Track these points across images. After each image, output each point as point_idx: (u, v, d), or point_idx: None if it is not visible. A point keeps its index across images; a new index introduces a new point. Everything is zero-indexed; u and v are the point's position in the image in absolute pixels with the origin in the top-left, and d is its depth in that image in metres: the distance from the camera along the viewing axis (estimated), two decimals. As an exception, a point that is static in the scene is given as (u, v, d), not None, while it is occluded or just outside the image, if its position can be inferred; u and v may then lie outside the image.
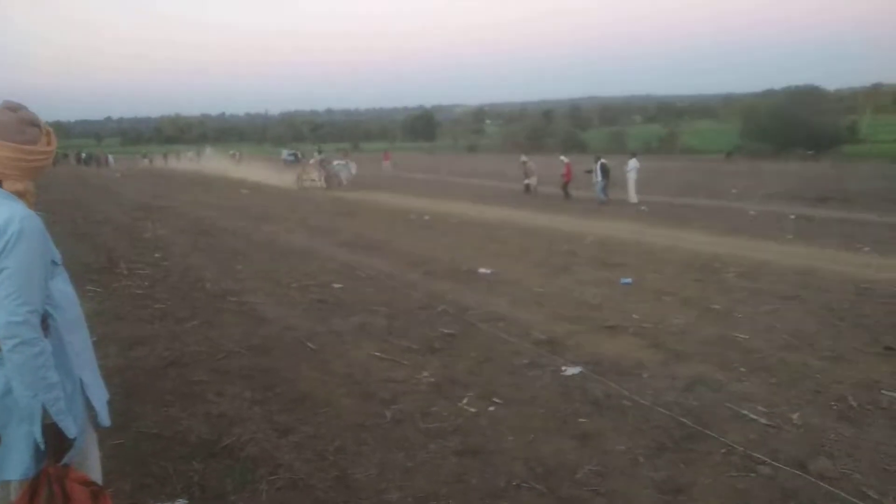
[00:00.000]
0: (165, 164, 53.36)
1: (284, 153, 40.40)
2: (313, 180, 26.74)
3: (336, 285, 8.27)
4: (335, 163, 28.60)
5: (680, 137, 56.95)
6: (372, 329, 6.34)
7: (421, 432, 4.10)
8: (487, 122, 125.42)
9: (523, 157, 24.96)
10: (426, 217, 15.85)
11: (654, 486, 3.44)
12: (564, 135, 62.23)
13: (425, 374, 5.12)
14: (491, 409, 4.45)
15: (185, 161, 51.61)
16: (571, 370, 5.14)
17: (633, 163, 20.69)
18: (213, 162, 46.16)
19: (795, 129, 43.13)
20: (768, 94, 60.93)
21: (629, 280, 8.31)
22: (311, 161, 29.38)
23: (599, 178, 20.10)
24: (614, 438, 3.97)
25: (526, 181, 23.24)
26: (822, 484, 3.35)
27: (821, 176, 27.59)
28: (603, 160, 20.57)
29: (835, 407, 4.38)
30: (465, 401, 4.58)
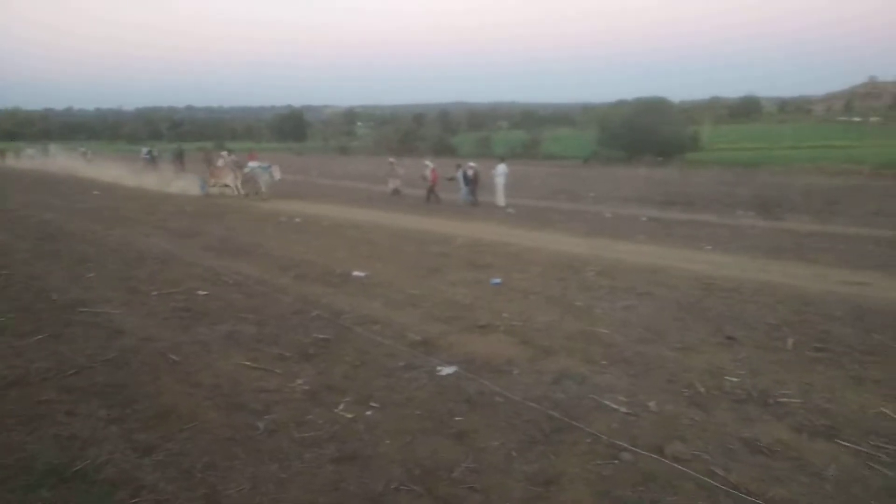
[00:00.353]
0: (3, 162, 48.21)
1: (144, 151, 36.89)
2: (226, 186, 22.54)
3: (201, 292, 7.86)
4: (250, 164, 23.39)
5: (542, 143, 59.55)
6: (241, 337, 6.09)
7: (296, 442, 4.00)
8: (359, 124, 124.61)
9: (391, 159, 25.02)
10: (297, 219, 15.45)
11: (527, 478, 3.57)
12: (435, 139, 63.19)
13: (299, 381, 4.99)
14: (368, 413, 4.42)
15: (26, 159, 46.89)
16: (446, 370, 5.22)
17: (501, 168, 21.35)
18: (61, 160, 42.26)
19: (645, 136, 46.52)
20: (620, 104, 65.16)
21: (498, 280, 8.58)
22: (220, 163, 24.59)
23: (463, 184, 20.56)
24: (488, 435, 4.08)
25: (390, 184, 23.22)
26: (676, 466, 3.63)
27: (668, 181, 29.89)
28: (472, 164, 21.08)
29: (686, 393, 4.76)
30: (341, 407, 4.52)
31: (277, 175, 22.52)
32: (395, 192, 23.14)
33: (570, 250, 11.55)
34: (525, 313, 7.00)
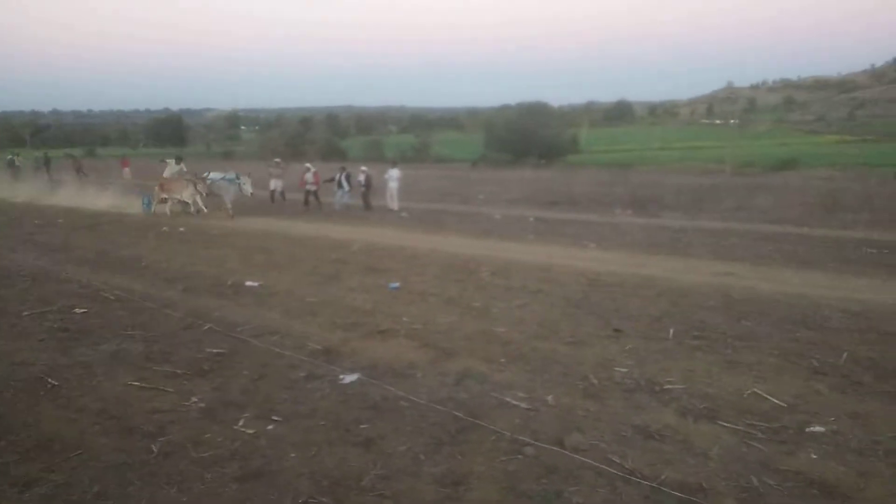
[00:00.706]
0: None
1: (7, 158, 33.20)
2: (184, 202, 18.16)
3: (79, 310, 7.34)
4: (211, 175, 18.85)
5: (432, 147, 60.27)
6: (127, 356, 5.75)
7: (194, 462, 3.84)
8: (243, 127, 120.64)
9: (276, 160, 24.41)
10: (181, 229, 14.74)
11: (436, 480, 3.62)
12: (323, 142, 62.31)
13: (194, 399, 4.79)
14: (270, 427, 4.31)
15: None
16: (349, 378, 5.18)
17: (394, 172, 21.39)
18: None
19: (529, 140, 48.28)
20: (505, 108, 67.14)
21: (397, 284, 8.60)
22: (167, 173, 19.49)
23: (345, 187, 20.28)
24: (395, 440, 4.10)
25: (272, 185, 22.56)
26: (576, 456, 3.81)
27: (551, 182, 31.08)
28: (364, 169, 20.97)
29: (580, 386, 4.99)
30: (241, 422, 4.38)
31: (249, 188, 18.39)
32: (280, 195, 22.46)
33: (464, 252, 11.77)
34: (425, 316, 7.07)
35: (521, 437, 4.07)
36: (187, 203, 18.11)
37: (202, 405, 4.69)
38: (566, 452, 3.87)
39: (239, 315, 7.12)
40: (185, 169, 19.96)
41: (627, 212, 19.19)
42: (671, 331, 6.40)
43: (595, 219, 17.92)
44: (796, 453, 3.84)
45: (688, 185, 26.26)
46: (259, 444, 4.07)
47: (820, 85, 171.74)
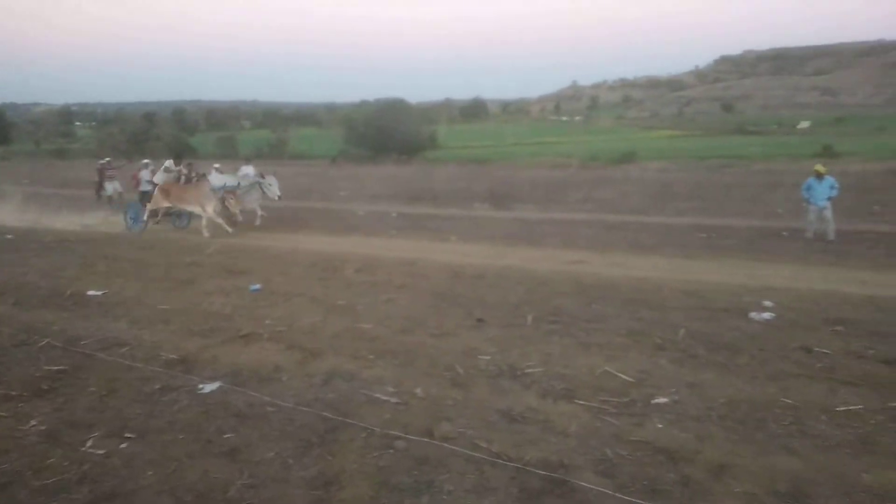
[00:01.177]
0: None
1: None
2: (199, 215, 14.16)
3: None
4: (220, 180, 14.75)
5: (289, 143, 58.70)
6: (-53, 381, 5.10)
7: (36, 492, 3.50)
8: (77, 123, 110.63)
9: (107, 159, 22.73)
10: (9, 236, 13.29)
11: (307, 484, 3.56)
12: (171, 139, 58.61)
13: (33, 422, 4.35)
14: (123, 445, 4.02)
15: None
16: (209, 387, 4.95)
17: (247, 169, 20.62)
18: None
19: (388, 136, 48.45)
20: (363, 104, 67.00)
21: (258, 286, 8.31)
22: (159, 178, 15.00)
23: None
24: (262, 447, 3.98)
25: (108, 188, 20.99)
26: (446, 445, 3.90)
27: (412, 178, 31.41)
28: (217, 166, 20.00)
29: (447, 376, 5.10)
30: (89, 443, 4.04)
31: (276, 190, 15.02)
32: (118, 196, 20.91)
33: (328, 249, 11.61)
34: (289, 317, 6.89)
35: (391, 432, 4.09)
36: (210, 215, 13.76)
37: (43, 428, 4.27)
38: (436, 442, 3.94)
39: (81, 328, 6.55)
40: (184, 171, 15.36)
41: (486, 206, 19.84)
42: (529, 317, 6.71)
43: (456, 213, 18.36)
44: (644, 424, 4.18)
45: (540, 179, 27.59)
46: (111, 465, 3.78)
47: (653, 84, 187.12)
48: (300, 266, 9.87)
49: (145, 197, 15.55)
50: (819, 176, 13.14)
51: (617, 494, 3.33)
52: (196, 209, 14.25)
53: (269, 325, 6.57)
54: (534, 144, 62.69)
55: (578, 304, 7.30)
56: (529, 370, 5.17)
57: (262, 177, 15.34)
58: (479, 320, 6.70)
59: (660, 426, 4.14)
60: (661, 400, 4.55)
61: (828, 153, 35.69)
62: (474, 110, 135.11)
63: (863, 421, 4.18)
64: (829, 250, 11.73)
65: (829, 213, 13.00)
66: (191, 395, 4.83)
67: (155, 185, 15.00)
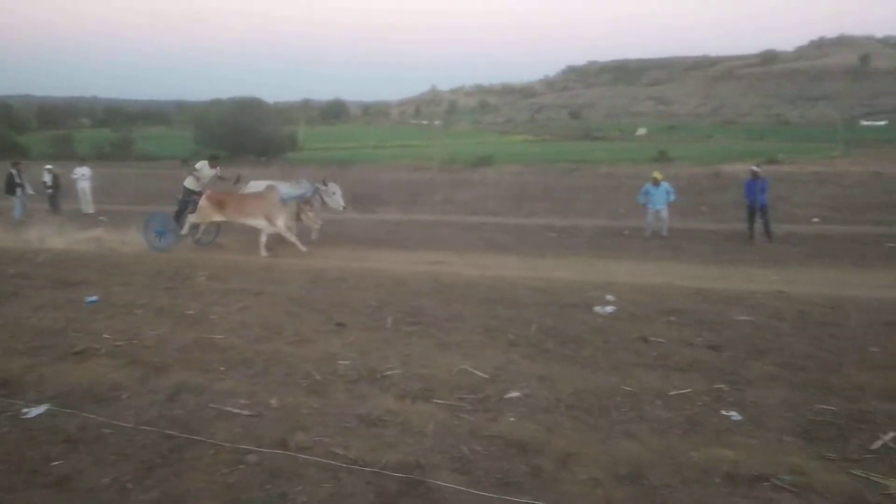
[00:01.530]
0: None
1: None
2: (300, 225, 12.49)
3: None
4: (286, 185, 12.78)
5: (135, 143, 54.78)
6: None
7: None
8: None
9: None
10: None
11: (148, 508, 3.31)
12: (-4, 137, 52.63)
13: None
14: (-75, 485, 3.52)
15: None
16: (35, 411, 4.47)
17: (82, 170, 19.01)
18: None
19: (245, 136, 46.67)
20: (216, 103, 63.94)
21: (95, 298, 7.64)
22: (191, 183, 13.16)
23: (27, 189, 17.44)
24: (97, 473, 3.65)
25: None
26: (300, 456, 3.78)
27: (272, 180, 30.43)
28: (49, 167, 18.26)
29: (304, 384, 4.97)
30: None
31: (340, 200, 12.94)
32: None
33: (176, 255, 10.94)
34: (131, 330, 6.39)
35: (242, 446, 3.90)
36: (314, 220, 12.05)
37: None
38: (290, 453, 3.81)
39: None
40: (220, 174, 13.36)
41: (347, 208, 19.64)
42: (390, 319, 6.71)
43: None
44: (498, 419, 4.30)
45: (402, 181, 27.76)
46: None
47: (507, 91, 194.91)
48: (144, 274, 9.20)
49: (183, 207, 12.99)
50: (656, 182, 14.32)
51: (471, 490, 3.40)
52: (261, 224, 12.07)
53: (107, 340, 6.06)
54: (395, 147, 63.09)
55: (438, 304, 7.40)
56: (389, 372, 5.16)
57: (324, 183, 13.02)
58: (339, 324, 6.59)
59: (512, 420, 4.28)
60: (514, 394, 4.71)
61: (663, 158, 39.09)
62: (335, 111, 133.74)
63: (692, 403, 4.58)
64: (664, 247, 12.80)
65: (664, 214, 14.22)
66: (13, 420, 4.34)
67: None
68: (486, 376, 5.06)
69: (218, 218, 12.26)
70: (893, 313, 7.06)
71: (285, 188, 12.47)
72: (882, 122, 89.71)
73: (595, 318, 6.83)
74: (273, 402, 4.61)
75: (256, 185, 13.12)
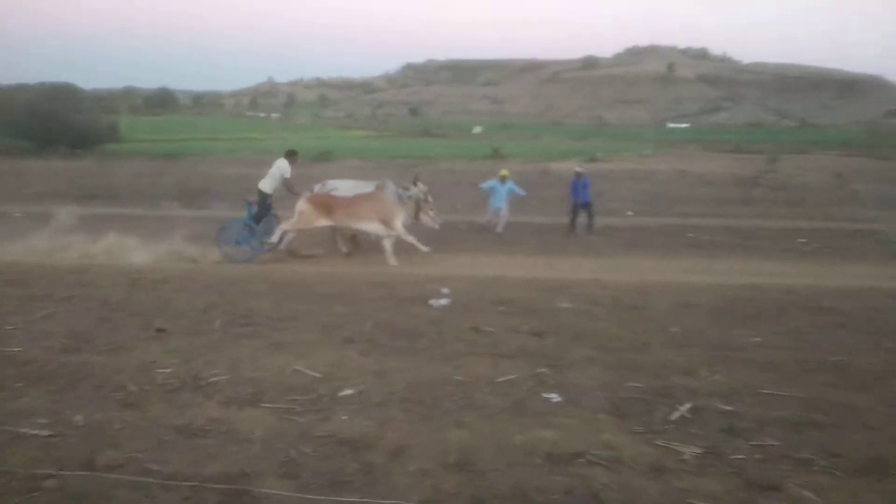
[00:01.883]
0: None
1: None
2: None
3: None
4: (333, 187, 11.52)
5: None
6: None
7: None
8: None
9: None
10: None
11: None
12: None
13: None
14: None
15: None
16: None
17: None
18: None
19: (56, 126, 42.01)
20: (22, 88, 57.14)
21: None
22: (266, 185, 11.54)
23: None
24: None
25: None
26: (109, 475, 3.44)
27: (88, 173, 27.76)
28: None
29: (117, 397, 4.54)
30: None
31: (437, 221, 11.71)
32: None
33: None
34: None
35: (38, 471, 3.48)
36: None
37: None
38: (98, 473, 3.47)
39: None
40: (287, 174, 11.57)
41: (175, 204, 18.46)
42: (218, 322, 6.36)
43: (140, 213, 16.81)
44: (330, 418, 4.22)
45: (237, 175, 26.51)
46: None
47: (347, 85, 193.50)
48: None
49: (263, 211, 11.29)
50: (503, 180, 14.97)
51: (297, 494, 3.29)
52: (375, 228, 10.81)
53: None
54: (230, 139, 60.10)
55: (272, 304, 7.14)
56: (214, 379, 4.87)
57: (416, 182, 11.79)
58: (160, 330, 6.13)
59: (344, 418, 4.22)
60: (348, 391, 4.65)
61: (497, 155, 40.73)
62: (161, 101, 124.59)
63: (517, 388, 4.79)
64: (500, 240, 13.36)
65: (504, 211, 14.89)
66: None
67: None
68: (320, 375, 4.95)
69: (323, 223, 10.97)
70: (692, 296, 7.90)
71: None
72: (685, 125, 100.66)
73: (430, 311, 6.94)
74: (79, 419, 4.16)
75: (334, 185, 12.02)
